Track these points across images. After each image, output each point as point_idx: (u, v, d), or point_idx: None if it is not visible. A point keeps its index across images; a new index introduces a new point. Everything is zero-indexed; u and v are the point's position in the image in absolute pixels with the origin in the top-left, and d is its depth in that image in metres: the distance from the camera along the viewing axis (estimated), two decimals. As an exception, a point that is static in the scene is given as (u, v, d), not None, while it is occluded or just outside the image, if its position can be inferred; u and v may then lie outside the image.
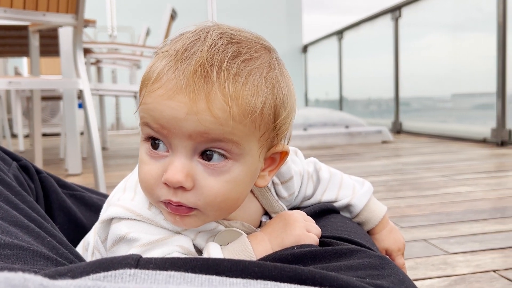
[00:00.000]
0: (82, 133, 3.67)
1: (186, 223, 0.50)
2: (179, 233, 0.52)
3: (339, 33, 5.77)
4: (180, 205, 0.48)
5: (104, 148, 3.83)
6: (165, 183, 0.47)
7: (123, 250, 0.51)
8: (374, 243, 0.62)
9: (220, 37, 0.47)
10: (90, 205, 0.79)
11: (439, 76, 4.29)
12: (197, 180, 0.47)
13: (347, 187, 0.67)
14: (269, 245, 0.51)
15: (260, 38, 0.52)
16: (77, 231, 0.73)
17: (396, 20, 4.53)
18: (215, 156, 0.47)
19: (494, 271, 0.97)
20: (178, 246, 0.50)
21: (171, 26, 2.84)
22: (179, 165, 0.47)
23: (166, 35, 2.79)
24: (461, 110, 4.15)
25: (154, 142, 0.49)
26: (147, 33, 3.45)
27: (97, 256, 0.58)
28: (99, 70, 3.70)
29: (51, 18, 1.65)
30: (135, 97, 3.59)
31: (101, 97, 3.70)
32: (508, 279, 0.92)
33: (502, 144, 3.13)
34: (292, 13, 7.19)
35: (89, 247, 0.62)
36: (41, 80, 1.68)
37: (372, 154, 2.97)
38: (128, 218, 0.52)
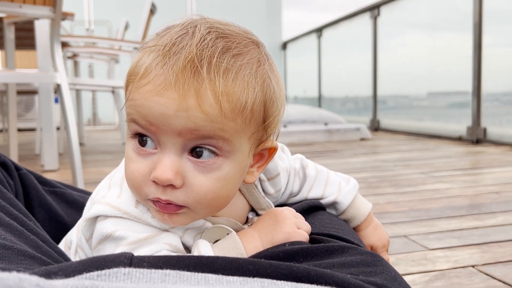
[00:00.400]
0: (58, 128, 3.60)
1: (174, 221, 0.49)
2: (167, 230, 0.51)
3: (319, 31, 5.80)
4: (169, 203, 0.47)
5: (80, 144, 3.77)
6: (154, 181, 0.46)
7: (109, 249, 0.50)
8: (361, 240, 0.62)
9: (209, 32, 0.46)
10: (71, 202, 0.77)
11: (416, 75, 4.35)
12: (186, 178, 0.46)
13: (333, 184, 0.67)
14: (259, 242, 0.51)
15: (248, 32, 0.51)
16: (58, 229, 0.71)
17: (375, 18, 4.57)
18: (205, 153, 0.47)
19: (473, 266, 0.98)
20: (166, 244, 0.50)
21: (150, 20, 2.81)
22: (168, 163, 0.46)
23: (146, 30, 2.76)
24: (437, 108, 4.23)
25: (141, 139, 0.48)
26: (126, 27, 3.40)
27: (81, 255, 0.57)
28: (76, 64, 3.63)
29: (28, 10, 1.61)
30: (113, 92, 3.54)
31: (78, 91, 3.64)
32: (486, 274, 0.94)
33: (477, 142, 3.20)
34: (272, 9, 7.20)
35: (72, 245, 0.60)
36: (17, 73, 1.64)
37: (351, 151, 3.00)
38: (114, 216, 0.50)
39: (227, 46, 0.46)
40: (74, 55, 3.46)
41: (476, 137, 3.22)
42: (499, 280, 0.91)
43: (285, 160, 0.63)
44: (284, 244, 0.49)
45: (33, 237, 0.51)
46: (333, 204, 0.66)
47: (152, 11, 2.78)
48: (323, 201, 0.66)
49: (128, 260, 0.38)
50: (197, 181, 0.47)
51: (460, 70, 3.60)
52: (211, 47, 0.45)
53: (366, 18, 4.72)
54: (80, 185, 1.70)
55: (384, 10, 4.49)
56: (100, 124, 6.10)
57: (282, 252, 0.46)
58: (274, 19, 7.23)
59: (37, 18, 1.80)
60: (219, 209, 0.51)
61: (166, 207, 0.47)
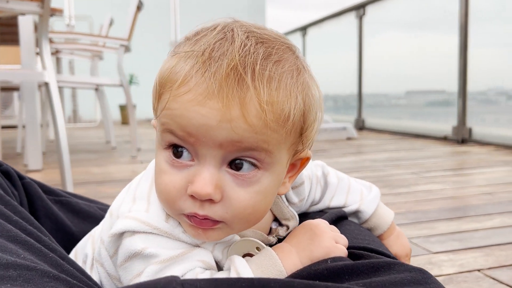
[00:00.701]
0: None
1: (209, 236, 0.46)
2: (197, 245, 0.49)
3: (303, 29, 5.80)
4: (205, 218, 0.44)
5: (63, 142, 3.69)
6: (191, 196, 0.43)
7: (138, 267, 0.47)
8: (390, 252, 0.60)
9: (247, 36, 0.44)
10: (77, 211, 0.73)
11: (401, 74, 4.38)
12: (225, 192, 0.44)
13: (355, 192, 0.65)
14: (297, 259, 0.48)
15: (282, 36, 0.49)
16: (66, 239, 0.68)
17: (360, 18, 4.59)
18: (245, 165, 0.44)
19: (479, 270, 0.98)
20: (199, 261, 0.47)
21: (137, 17, 2.75)
22: (207, 176, 0.43)
23: (133, 27, 2.70)
24: (423, 108, 4.27)
25: (176, 150, 0.45)
26: (111, 24, 3.33)
27: (100, 270, 0.53)
28: (58, 60, 3.54)
29: (15, 6, 1.55)
30: (96, 89, 3.47)
31: (59, 88, 3.55)
32: (494, 278, 0.94)
33: (463, 141, 3.24)
34: (255, 7, 7.17)
35: (88, 259, 0.57)
36: (5, 71, 1.58)
37: (339, 150, 3.00)
38: (144, 232, 0.47)
39: (268, 52, 0.44)
40: (57, 51, 3.37)
41: (462, 136, 3.26)
42: (507, 285, 0.91)
43: (307, 168, 0.61)
44: (325, 261, 0.46)
45: (52, 255, 0.47)
46: (356, 213, 0.65)
47: (139, 7, 2.73)
48: (345, 210, 0.64)
49: (180, 287, 0.36)
50: (237, 195, 0.44)
51: (446, 70, 3.63)
52: (253, 53, 0.42)
53: (351, 17, 4.73)
54: (69, 187, 1.65)
55: (369, 9, 4.51)
56: (80, 121, 5.99)
57: (326, 270, 0.44)
58: (258, 17, 7.20)
59: (24, 14, 1.73)
60: (255, 224, 0.48)
61: (202, 222, 0.45)
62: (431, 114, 4.21)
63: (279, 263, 0.47)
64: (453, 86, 3.43)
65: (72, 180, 1.69)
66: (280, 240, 0.56)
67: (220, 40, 0.44)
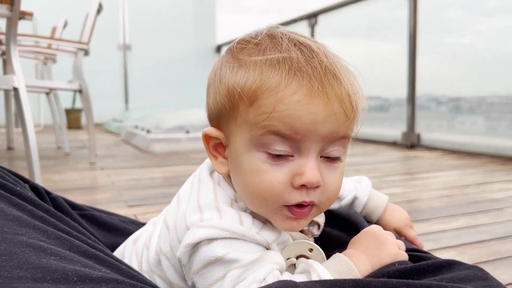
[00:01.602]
0: None
1: (300, 224, 0.52)
2: (268, 248, 0.52)
3: (255, 36, 5.87)
4: (305, 206, 0.50)
5: (10, 148, 3.53)
6: (300, 186, 0.48)
7: (218, 272, 0.50)
8: None
9: (309, 39, 0.52)
10: (102, 224, 0.75)
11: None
12: (322, 178, 0.50)
13: (348, 184, 0.73)
14: (368, 264, 0.52)
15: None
16: None
17: (312, 27, 4.72)
18: (335, 153, 0.51)
19: (457, 267, 1.07)
20: (275, 264, 0.50)
21: (96, 20, 2.69)
22: (314, 166, 0.49)
23: (92, 30, 2.64)
24: (373, 113, 4.46)
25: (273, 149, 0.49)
26: (65, 26, 3.23)
27: (157, 281, 0.55)
28: (4, 62, 3.38)
29: (-17, 7, 1.49)
30: (47, 93, 3.35)
31: (6, 92, 3.39)
32: (472, 275, 1.02)
33: (412, 146, 3.43)
34: (206, 12, 7.16)
35: (143, 270, 0.59)
36: (-29, 75, 1.51)
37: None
38: (222, 238, 0.50)
39: (331, 52, 0.51)
40: (3, 54, 3.22)
41: (411, 142, 3.44)
42: (485, 280, 0.99)
43: None
44: (393, 264, 0.51)
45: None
46: (354, 201, 0.71)
47: (99, 10, 2.67)
48: (344, 201, 0.71)
49: None
50: (330, 180, 0.51)
51: (396, 77, 3.83)
52: (328, 53, 0.50)
53: (304, 26, 4.86)
54: (39, 195, 1.60)
55: (321, 18, 4.65)
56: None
57: (397, 271, 0.48)
58: (207, 21, 7.21)
59: (-13, 15, 1.66)
60: None
61: (301, 212, 0.50)
62: (381, 120, 4.41)
63: (355, 268, 0.51)
64: (403, 93, 3.63)
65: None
66: (315, 239, 0.60)
67: (295, 46, 0.49)
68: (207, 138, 0.55)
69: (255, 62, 0.49)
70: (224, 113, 0.51)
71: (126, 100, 6.77)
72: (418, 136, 3.43)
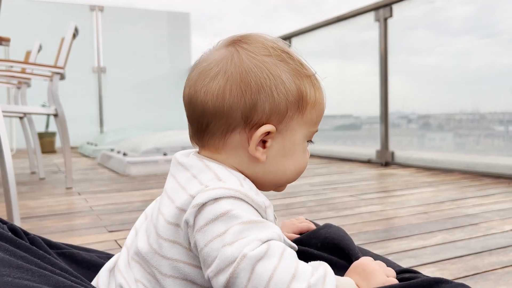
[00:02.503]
0: None
1: None
2: (265, 213, 0.59)
3: (229, 57, 5.94)
4: None
5: (-19, 174, 3.43)
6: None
7: (219, 228, 0.52)
8: None
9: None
10: (80, 261, 0.76)
11: (328, 101, 4.64)
12: None
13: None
14: None
15: None
16: None
17: (286, 48, 4.81)
18: None
19: (438, 283, 1.09)
20: (275, 233, 0.53)
21: (72, 44, 2.68)
22: None
23: (68, 54, 2.63)
24: (347, 132, 4.55)
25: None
26: (39, 50, 3.20)
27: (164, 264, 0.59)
28: (-24, 87, 3.32)
29: (-40, 34, 1.48)
30: (21, 117, 3.29)
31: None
32: (453, 290, 1.05)
33: (386, 164, 3.50)
34: (179, 34, 7.21)
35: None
36: None
37: (276, 175, 3.10)
38: (228, 196, 0.54)
39: None
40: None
41: (385, 160, 3.52)
42: (465, 294, 1.02)
43: None
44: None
45: None
46: None
47: (75, 35, 2.67)
48: None
49: None
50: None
51: (367, 96, 3.93)
52: None
53: (277, 47, 4.94)
54: (17, 221, 1.57)
55: (294, 41, 4.75)
56: (-6, 151, 5.57)
57: None
58: (182, 43, 7.25)
59: (-38, 41, 1.64)
60: None
61: None
62: (355, 139, 4.49)
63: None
64: (376, 112, 3.71)
65: (19, 214, 1.61)
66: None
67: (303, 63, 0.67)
68: (260, 135, 0.60)
69: (309, 76, 0.65)
70: (286, 111, 0.61)
71: (101, 123, 6.70)
72: (392, 154, 3.51)
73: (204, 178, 0.58)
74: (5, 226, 0.68)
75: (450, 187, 2.44)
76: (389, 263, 0.65)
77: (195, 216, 0.54)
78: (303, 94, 0.62)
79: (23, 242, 0.61)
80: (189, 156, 0.63)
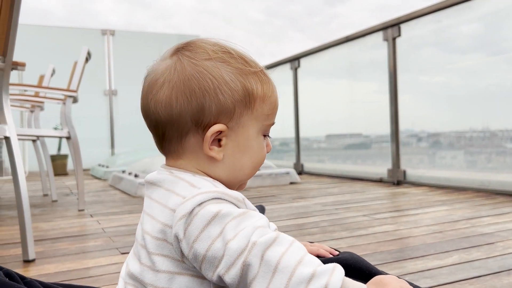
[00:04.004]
0: None
1: None
2: (244, 204, 0.62)
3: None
4: None
5: (-6, 197, 3.46)
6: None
7: (215, 230, 0.54)
8: None
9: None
10: None
11: (337, 120, 4.65)
12: None
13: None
14: None
15: None
16: None
17: (295, 69, 4.85)
18: None
19: (457, 304, 1.08)
20: (265, 219, 0.56)
21: (84, 68, 2.73)
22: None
23: (81, 77, 2.67)
24: (357, 151, 4.53)
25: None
26: (52, 74, 3.25)
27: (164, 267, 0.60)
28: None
29: (-23, 59, 1.51)
30: (33, 141, 3.33)
31: (-7, 140, 3.37)
32: (472, 311, 1.03)
33: (398, 183, 3.47)
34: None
35: None
36: (-36, 126, 1.51)
37: (288, 195, 3.10)
38: (211, 198, 0.57)
39: None
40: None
41: (397, 178, 3.49)
42: (485, 315, 1.00)
43: None
44: None
45: None
46: None
47: (87, 59, 2.72)
48: None
49: None
50: None
51: (376, 115, 3.93)
52: None
53: (286, 68, 4.98)
54: (31, 244, 1.57)
55: (303, 61, 4.78)
56: (7, 174, 5.63)
57: None
58: (192, 65, 7.32)
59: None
60: None
61: None
62: (366, 157, 4.47)
63: None
64: (387, 130, 3.71)
65: (33, 237, 1.61)
66: None
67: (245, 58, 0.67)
68: (211, 135, 0.63)
69: (254, 73, 0.65)
70: (234, 109, 0.63)
71: (112, 145, 6.75)
72: (404, 173, 3.49)
73: (179, 189, 0.61)
74: (0, 272, 0.69)
75: (464, 206, 2.41)
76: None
77: (185, 228, 0.56)
78: (249, 91, 0.64)
79: (22, 286, 0.62)
80: (158, 173, 0.66)
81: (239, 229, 0.53)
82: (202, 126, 0.62)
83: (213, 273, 0.54)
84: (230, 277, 0.52)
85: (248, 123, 0.65)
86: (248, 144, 0.66)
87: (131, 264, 0.63)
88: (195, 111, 0.62)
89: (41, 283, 0.74)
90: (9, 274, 0.69)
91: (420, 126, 3.82)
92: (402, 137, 3.64)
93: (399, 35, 3.53)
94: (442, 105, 3.63)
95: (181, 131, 0.63)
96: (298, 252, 0.52)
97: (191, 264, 0.57)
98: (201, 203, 0.56)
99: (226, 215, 0.54)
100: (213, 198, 0.57)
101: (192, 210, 0.55)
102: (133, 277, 0.61)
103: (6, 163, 5.78)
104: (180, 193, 0.60)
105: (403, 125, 3.63)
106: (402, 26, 3.52)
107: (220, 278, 0.54)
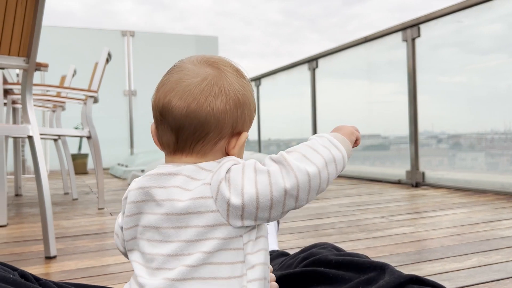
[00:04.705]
0: None
1: None
2: None
3: (257, 80, 6.01)
4: None
5: (17, 195, 3.54)
6: None
7: (250, 172, 0.65)
8: None
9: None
10: None
11: (355, 121, 4.63)
12: None
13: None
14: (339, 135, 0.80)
15: None
16: None
17: (313, 70, 4.84)
18: None
19: (475, 307, 1.07)
20: None
21: (105, 69, 2.77)
22: None
23: (101, 78, 2.72)
24: (376, 152, 4.50)
25: None
26: (74, 75, 3.32)
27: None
28: (14, 111, 3.45)
29: (2, 61, 1.56)
30: (55, 140, 3.40)
31: (16, 140, 3.45)
32: (490, 314, 1.02)
33: (417, 185, 3.44)
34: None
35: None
36: (-10, 126, 1.55)
37: (304, 196, 3.09)
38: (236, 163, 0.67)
39: None
40: (14, 102, 3.29)
41: (416, 180, 3.46)
42: (504, 319, 0.99)
43: None
44: None
45: None
46: None
47: (108, 60, 2.76)
48: None
49: None
50: None
51: (394, 116, 3.89)
52: None
53: (304, 69, 4.98)
54: (52, 241, 1.61)
55: (321, 62, 4.77)
56: (29, 172, 5.75)
57: None
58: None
59: (3, 68, 1.72)
60: None
61: None
62: (385, 159, 4.44)
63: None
64: (405, 131, 3.68)
65: (54, 235, 1.65)
66: None
67: None
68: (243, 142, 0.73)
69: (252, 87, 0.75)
70: (252, 119, 0.74)
71: (131, 145, 6.83)
72: (423, 175, 3.45)
73: (207, 167, 0.67)
74: (15, 272, 0.70)
75: (483, 208, 2.38)
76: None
77: (229, 187, 0.63)
78: (255, 105, 0.76)
79: (38, 286, 0.63)
80: (173, 165, 0.70)
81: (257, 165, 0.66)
82: (235, 132, 0.70)
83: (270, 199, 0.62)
84: (289, 183, 0.62)
85: (248, 128, 0.75)
86: (244, 146, 0.74)
87: (184, 260, 0.63)
88: (236, 120, 0.69)
89: (55, 283, 0.75)
90: (24, 275, 0.71)
91: (440, 127, 3.78)
92: (421, 138, 3.60)
93: (419, 35, 3.50)
94: (463, 106, 3.58)
95: (221, 135, 0.69)
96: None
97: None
98: (229, 168, 0.65)
99: (250, 163, 0.65)
100: (234, 164, 0.66)
101: (226, 172, 0.64)
102: (194, 268, 0.62)
103: (29, 162, 5.90)
104: (209, 168, 0.67)
105: (422, 126, 3.60)
106: (422, 26, 3.49)
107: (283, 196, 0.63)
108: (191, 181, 0.65)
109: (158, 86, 0.70)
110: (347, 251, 0.96)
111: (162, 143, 0.73)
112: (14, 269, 0.72)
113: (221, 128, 0.68)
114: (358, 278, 0.76)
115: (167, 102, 0.67)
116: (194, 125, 0.67)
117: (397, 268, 1.34)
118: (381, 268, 0.77)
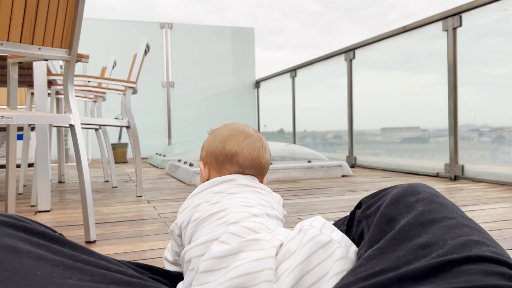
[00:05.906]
0: (18, 166, 3.47)
1: None
2: None
3: (293, 71, 5.98)
4: None
5: (60, 182, 3.68)
6: None
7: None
8: None
9: None
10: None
11: (391, 112, 4.55)
12: None
13: None
14: None
15: None
16: None
17: (350, 60, 4.78)
18: None
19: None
20: None
21: (143, 60, 2.84)
22: None
23: (140, 69, 2.78)
24: (414, 145, 4.41)
25: None
26: (114, 66, 3.41)
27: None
28: (58, 101, 3.59)
29: (46, 52, 1.62)
30: (96, 129, 3.51)
31: (59, 130, 3.58)
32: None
33: (455, 178, 3.36)
34: (244, 49, 7.37)
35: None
36: (34, 115, 1.63)
37: (339, 188, 3.08)
38: None
39: None
40: (57, 93, 3.42)
41: (454, 174, 3.38)
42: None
43: None
44: None
45: None
46: None
47: (146, 51, 2.82)
48: None
49: None
50: None
51: (434, 108, 3.80)
52: None
53: (341, 60, 4.92)
54: (92, 227, 1.68)
55: (358, 52, 4.70)
56: (72, 161, 5.96)
57: None
58: (247, 58, 7.40)
59: (47, 60, 1.79)
60: None
61: None
62: (422, 151, 4.35)
63: None
64: (444, 124, 3.59)
65: (94, 220, 1.71)
66: None
67: None
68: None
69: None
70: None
71: (169, 135, 6.97)
72: (462, 168, 3.37)
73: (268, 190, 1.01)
74: (56, 233, 0.73)
75: (526, 204, 2.30)
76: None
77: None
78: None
79: (79, 244, 0.65)
80: (252, 181, 1.00)
81: None
82: None
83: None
84: None
85: None
86: None
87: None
88: None
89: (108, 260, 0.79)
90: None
91: (482, 120, 3.66)
92: (462, 131, 3.51)
93: (460, 25, 3.40)
94: (507, 98, 3.46)
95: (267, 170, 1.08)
96: None
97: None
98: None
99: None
100: None
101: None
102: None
103: (71, 150, 6.11)
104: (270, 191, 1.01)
105: (463, 119, 3.50)
106: (463, 15, 3.38)
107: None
108: (265, 192, 1.01)
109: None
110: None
111: None
112: (54, 231, 0.74)
113: (267, 166, 1.08)
114: None
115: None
116: (260, 166, 1.06)
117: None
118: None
